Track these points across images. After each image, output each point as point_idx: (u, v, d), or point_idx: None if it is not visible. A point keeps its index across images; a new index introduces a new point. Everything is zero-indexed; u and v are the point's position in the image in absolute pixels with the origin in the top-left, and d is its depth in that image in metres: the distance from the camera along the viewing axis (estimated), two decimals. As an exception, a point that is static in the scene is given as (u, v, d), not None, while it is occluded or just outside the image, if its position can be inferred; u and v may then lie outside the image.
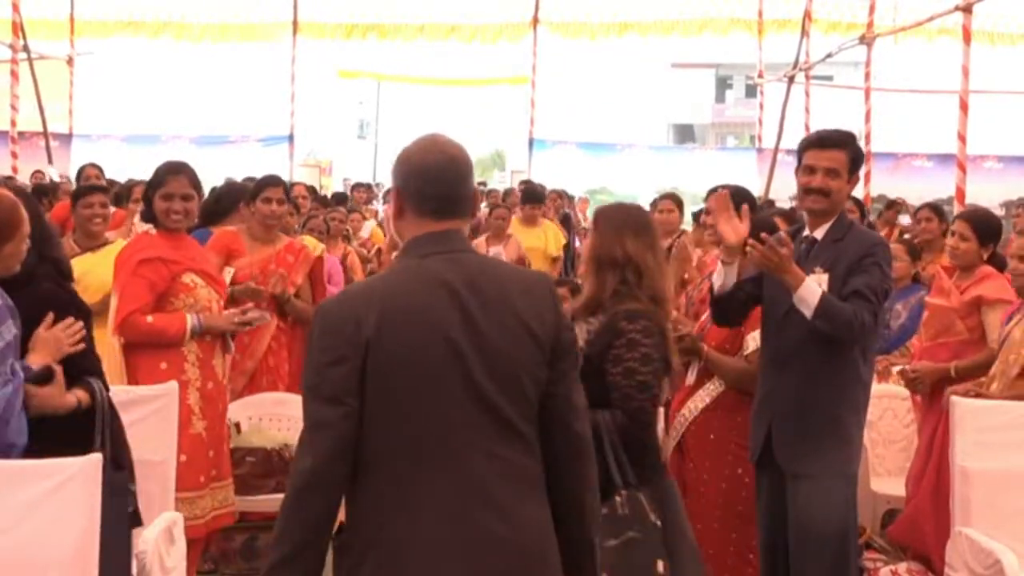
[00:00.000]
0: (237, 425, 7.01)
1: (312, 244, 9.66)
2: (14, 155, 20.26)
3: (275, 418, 7.38)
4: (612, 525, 4.46)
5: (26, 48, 20.07)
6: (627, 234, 4.84)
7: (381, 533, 3.22)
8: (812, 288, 5.08)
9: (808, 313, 5.06)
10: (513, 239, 12.29)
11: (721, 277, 5.45)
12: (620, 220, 4.93)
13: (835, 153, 5.31)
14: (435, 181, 3.36)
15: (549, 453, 3.39)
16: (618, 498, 4.53)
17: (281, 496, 6.54)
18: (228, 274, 7.08)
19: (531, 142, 27.34)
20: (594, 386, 4.35)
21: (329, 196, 25.99)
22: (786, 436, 5.33)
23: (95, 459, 4.30)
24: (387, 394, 3.19)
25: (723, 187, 6.87)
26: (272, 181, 7.73)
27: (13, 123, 20.85)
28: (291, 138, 27.28)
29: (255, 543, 7.06)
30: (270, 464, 6.81)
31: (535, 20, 25.72)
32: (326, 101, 30.93)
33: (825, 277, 5.20)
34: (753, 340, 5.75)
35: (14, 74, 20.65)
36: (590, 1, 25.32)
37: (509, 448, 3.31)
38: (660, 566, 4.48)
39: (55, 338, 4.49)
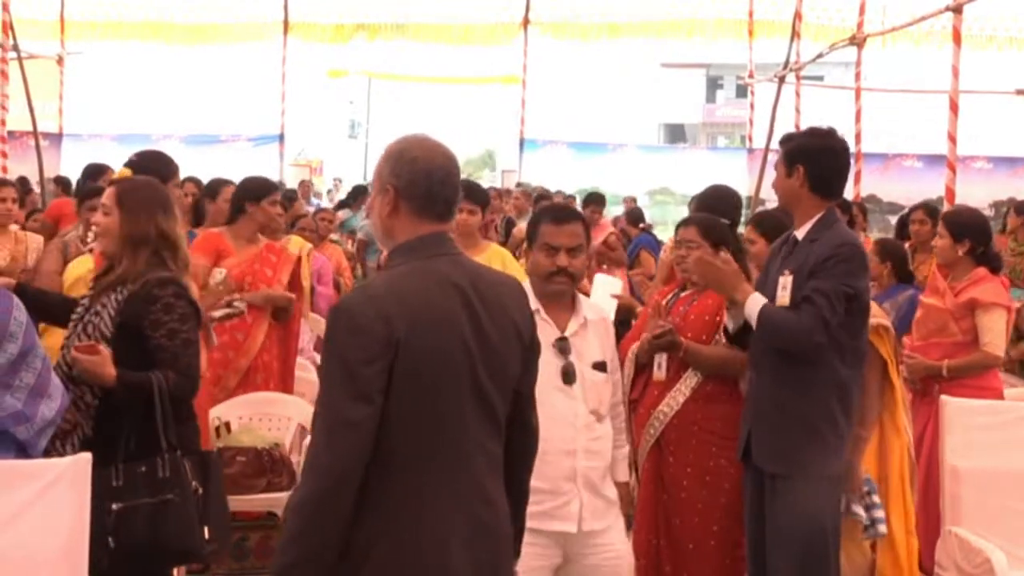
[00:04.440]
0: (227, 424, 7.02)
1: (300, 244, 9.70)
2: (3, 155, 20.17)
3: (265, 417, 7.40)
4: (150, 484, 4.69)
5: (16, 47, 19.98)
6: (157, 212, 5.00)
7: (392, 526, 3.28)
8: (754, 304, 5.27)
9: (754, 328, 5.29)
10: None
11: (732, 321, 5.57)
12: (148, 199, 5.06)
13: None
14: (442, 183, 3.44)
15: (509, 442, 3.61)
16: (159, 460, 4.72)
17: (273, 495, 6.63)
18: (220, 274, 7.09)
19: (522, 142, 27.31)
20: (132, 353, 4.75)
21: (321, 195, 26.10)
22: (762, 435, 5.39)
23: (84, 458, 4.32)
24: (411, 394, 3.26)
25: (711, 188, 6.93)
26: (276, 185, 7.96)
27: (3, 123, 20.75)
28: (281, 137, 27.21)
29: (245, 543, 7.07)
30: (260, 464, 6.81)
31: (525, 20, 25.69)
32: (317, 100, 30.89)
33: (790, 280, 5.26)
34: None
35: (3, 74, 20.54)
36: (580, 1, 25.30)
37: (493, 442, 3.50)
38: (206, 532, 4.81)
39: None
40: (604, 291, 7.25)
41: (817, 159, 5.36)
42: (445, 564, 3.33)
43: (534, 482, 4.46)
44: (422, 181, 3.43)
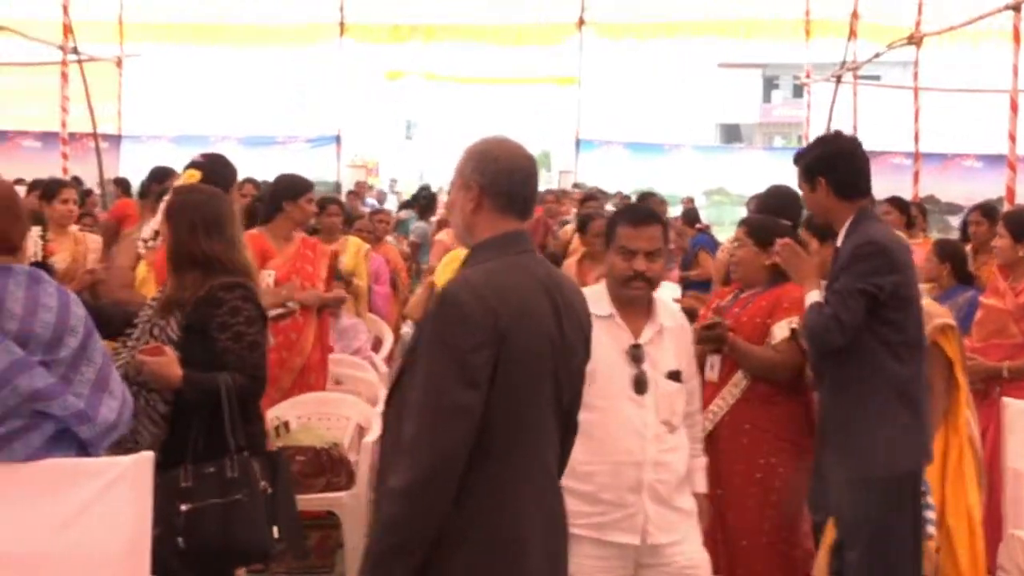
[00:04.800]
0: (286, 424, 7.06)
1: (357, 244, 9.74)
2: (64, 156, 20.38)
3: (324, 417, 7.43)
4: (219, 484, 4.71)
5: (76, 50, 20.18)
6: (199, 233, 4.99)
7: (484, 515, 3.37)
8: (807, 302, 5.30)
9: None
10: None
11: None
12: (190, 218, 5.04)
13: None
14: (523, 183, 3.56)
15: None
16: (228, 461, 4.74)
17: (332, 495, 6.65)
18: (269, 277, 7.12)
19: (578, 143, 27.30)
20: (199, 356, 4.80)
21: (375, 196, 26.16)
22: (822, 437, 5.43)
23: (146, 457, 4.33)
24: (508, 386, 3.34)
25: (772, 188, 6.88)
26: (311, 183, 7.95)
27: (63, 125, 20.98)
28: (338, 139, 27.35)
29: (305, 542, 7.09)
30: (320, 463, 6.84)
31: (581, 21, 25.66)
32: (373, 102, 30.96)
33: (823, 284, 5.33)
34: (780, 330, 5.77)
35: (64, 76, 20.78)
36: (636, 1, 25.23)
37: (557, 437, 3.60)
38: (275, 531, 4.80)
39: None
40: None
41: (834, 165, 5.35)
42: (527, 554, 3.42)
43: (599, 492, 4.52)
44: (505, 180, 3.53)
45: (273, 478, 4.88)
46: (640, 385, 4.74)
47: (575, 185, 23.28)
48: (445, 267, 7.38)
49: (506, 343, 3.31)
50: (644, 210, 5.28)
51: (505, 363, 3.32)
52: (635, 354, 4.77)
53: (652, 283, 4.86)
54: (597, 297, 4.74)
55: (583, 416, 4.27)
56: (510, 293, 3.38)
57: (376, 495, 3.71)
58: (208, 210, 5.10)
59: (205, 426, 4.78)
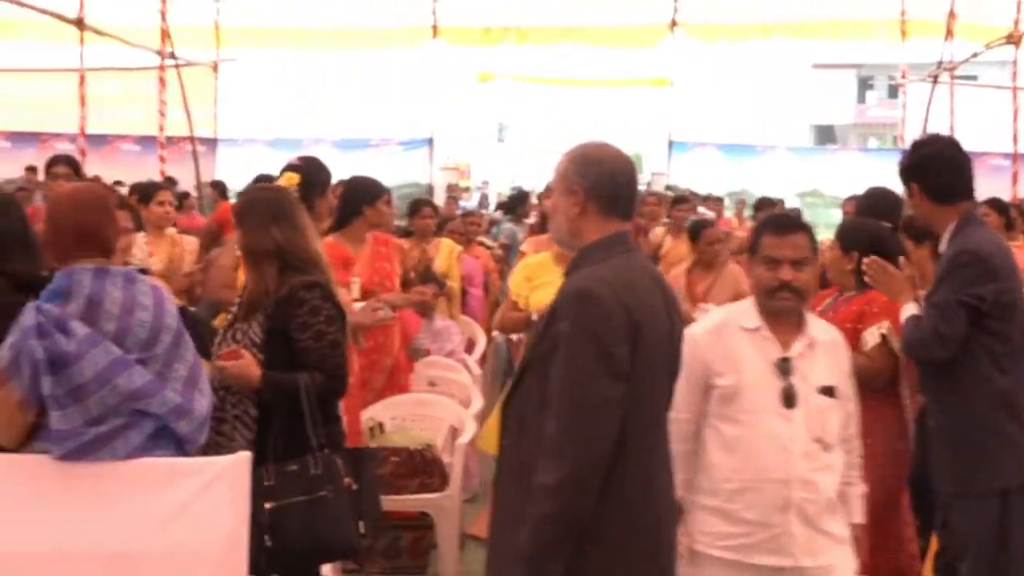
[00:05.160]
0: (380, 425, 7.11)
1: (450, 247, 9.78)
2: (162, 160, 20.65)
3: (418, 418, 7.47)
4: (303, 482, 4.72)
5: (173, 55, 20.44)
6: (270, 225, 5.02)
7: (623, 509, 3.45)
8: (902, 316, 5.24)
9: None
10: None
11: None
12: (261, 213, 5.09)
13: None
14: (626, 185, 3.65)
15: None
16: (310, 458, 4.77)
17: (426, 496, 6.68)
18: (355, 284, 7.13)
19: (670, 144, 27.19)
20: (282, 356, 4.85)
21: (467, 199, 26.21)
22: (933, 454, 5.38)
23: (244, 456, 4.37)
24: (641, 380, 3.44)
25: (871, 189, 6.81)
26: (385, 186, 7.96)
27: (161, 128, 21.27)
28: (431, 141, 27.46)
29: (398, 542, 7.14)
30: (413, 464, 6.88)
31: (673, 22, 25.54)
32: (465, 104, 31.02)
33: (920, 293, 5.24)
34: (871, 336, 5.71)
35: (162, 81, 21.06)
36: (729, 2, 25.07)
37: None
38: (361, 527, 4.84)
39: None
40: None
41: (926, 170, 5.29)
42: (662, 543, 3.55)
43: (743, 512, 4.38)
44: (608, 182, 3.62)
45: (358, 474, 4.90)
46: (789, 398, 4.45)
47: (668, 187, 23.17)
48: (515, 275, 7.33)
49: (639, 336, 3.41)
50: (789, 218, 4.99)
51: (639, 358, 3.41)
52: (783, 367, 4.49)
53: (800, 294, 4.56)
54: (745, 310, 4.61)
55: (728, 431, 4.32)
56: (637, 289, 3.49)
57: (500, 492, 3.76)
58: (275, 203, 5.18)
59: (285, 426, 4.82)
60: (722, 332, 4.54)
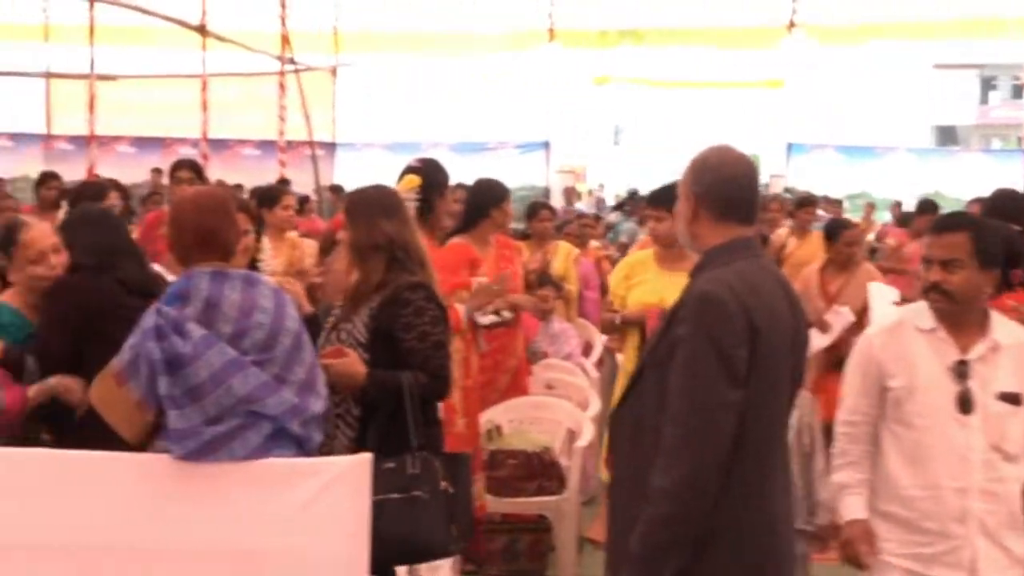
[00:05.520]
0: (498, 428, 7.12)
1: (567, 249, 9.76)
2: (282, 164, 20.94)
3: (536, 421, 7.47)
4: (400, 480, 4.68)
5: (292, 60, 20.70)
6: (379, 218, 5.00)
7: (739, 512, 3.44)
8: None
9: None
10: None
11: None
12: (370, 207, 5.08)
13: None
14: (740, 189, 3.61)
15: None
16: (409, 458, 4.73)
17: (544, 499, 6.68)
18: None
19: (788, 146, 26.97)
20: (386, 357, 4.82)
21: (594, 202, 26.21)
22: None
23: (365, 457, 4.39)
24: (760, 384, 3.42)
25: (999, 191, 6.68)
26: (507, 188, 7.94)
27: (281, 133, 21.58)
28: (547, 144, 27.52)
29: (516, 545, 7.14)
30: (531, 467, 6.89)
31: (791, 24, 25.33)
32: (581, 107, 31.03)
33: None
34: None
35: (281, 86, 21.35)
36: (848, 3, 24.79)
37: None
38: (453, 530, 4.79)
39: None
40: (883, 301, 7.09)
41: None
42: (774, 551, 3.52)
43: (920, 521, 4.21)
44: (719, 188, 3.60)
45: (455, 478, 4.90)
46: (965, 404, 4.22)
47: (786, 189, 22.96)
48: (615, 274, 7.27)
49: (758, 339, 3.40)
50: (950, 217, 4.67)
51: (757, 362, 3.40)
52: (960, 371, 4.24)
53: (951, 296, 4.28)
54: (922, 310, 4.40)
55: (903, 435, 4.23)
56: (757, 291, 3.47)
57: (614, 493, 3.78)
58: (385, 197, 5.20)
59: (386, 425, 4.83)
60: (897, 333, 4.37)
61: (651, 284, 6.60)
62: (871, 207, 20.97)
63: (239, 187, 15.98)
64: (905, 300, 7.30)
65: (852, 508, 4.39)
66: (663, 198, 6.54)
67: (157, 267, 6.04)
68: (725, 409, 3.36)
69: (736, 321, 3.39)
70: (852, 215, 20.63)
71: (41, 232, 5.13)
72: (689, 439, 3.35)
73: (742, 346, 3.38)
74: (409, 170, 6.27)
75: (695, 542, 3.40)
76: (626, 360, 6.93)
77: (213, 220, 4.46)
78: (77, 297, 4.98)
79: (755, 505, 3.48)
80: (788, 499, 3.71)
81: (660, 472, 3.37)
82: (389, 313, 4.90)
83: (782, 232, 12.20)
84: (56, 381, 4.86)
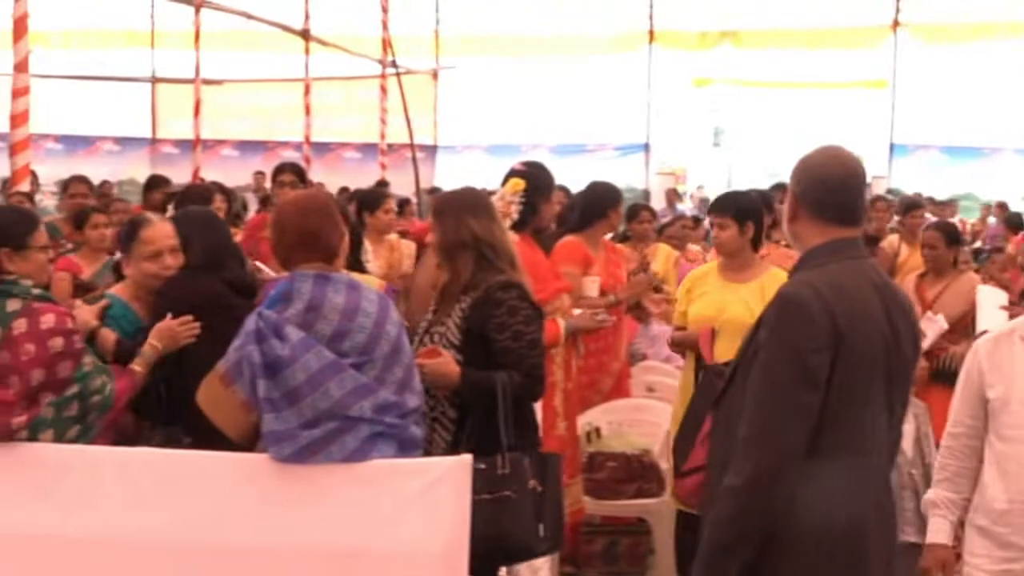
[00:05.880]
0: (597, 430, 7.12)
1: (667, 252, 9.75)
2: (383, 166, 21.07)
3: (635, 423, 7.46)
4: (490, 481, 4.63)
5: (394, 64, 20.83)
6: (467, 216, 4.98)
7: (810, 513, 3.36)
8: None
9: None
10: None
11: None
12: (457, 206, 5.09)
13: None
14: (837, 190, 3.55)
15: None
16: (499, 458, 4.69)
17: (643, 502, 6.68)
18: (594, 283, 7.17)
19: (892, 147, 26.64)
20: (480, 357, 4.81)
21: (695, 204, 26.08)
22: None
23: (466, 459, 4.41)
24: (845, 385, 3.37)
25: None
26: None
27: (382, 136, 21.72)
28: (647, 146, 27.44)
29: (616, 547, 7.15)
30: (630, 469, 6.89)
31: (895, 23, 25.04)
32: (681, 109, 30.89)
33: None
34: None
35: (383, 89, 21.50)
36: (953, 1, 24.45)
37: (888, 438, 3.58)
38: (541, 529, 4.74)
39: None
40: (991, 304, 6.99)
41: None
42: (865, 548, 3.43)
43: (1010, 535, 4.16)
44: (815, 188, 3.56)
45: (544, 478, 4.89)
46: None
47: (889, 191, 22.69)
48: (680, 287, 7.19)
49: (843, 343, 3.34)
50: None
51: (842, 365, 3.34)
52: None
53: None
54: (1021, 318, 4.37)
55: (997, 446, 4.15)
56: (849, 295, 3.40)
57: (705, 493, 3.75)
58: (472, 197, 5.25)
59: (479, 425, 4.85)
60: (1002, 342, 4.31)
61: (711, 297, 6.50)
62: (987, 209, 20.56)
63: (343, 190, 16.12)
64: (1013, 304, 7.21)
65: (934, 531, 4.36)
66: (726, 204, 6.51)
67: (263, 267, 6.14)
68: (798, 413, 3.32)
69: (817, 325, 3.33)
70: (965, 216, 20.32)
71: (162, 231, 5.23)
72: (760, 441, 3.34)
73: (823, 351, 3.33)
74: (514, 173, 6.29)
75: (768, 543, 3.36)
76: (684, 372, 6.85)
77: (315, 222, 4.50)
78: (185, 294, 5.07)
79: (835, 510, 3.40)
80: (883, 508, 3.55)
81: (733, 471, 3.37)
82: (481, 313, 4.91)
83: (893, 239, 11.98)
84: (150, 345, 4.93)
